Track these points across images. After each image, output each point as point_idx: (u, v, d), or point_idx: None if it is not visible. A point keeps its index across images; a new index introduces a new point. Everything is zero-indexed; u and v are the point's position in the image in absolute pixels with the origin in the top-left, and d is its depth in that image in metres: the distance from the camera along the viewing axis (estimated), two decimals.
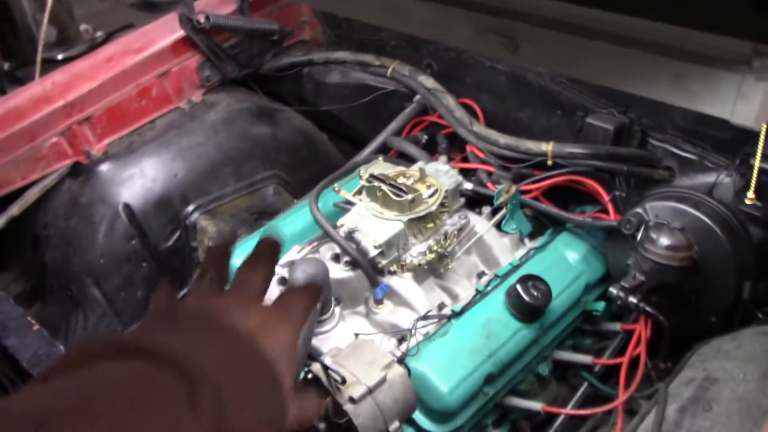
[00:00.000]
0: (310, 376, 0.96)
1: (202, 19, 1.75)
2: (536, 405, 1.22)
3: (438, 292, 1.31)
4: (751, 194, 1.13)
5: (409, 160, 1.60)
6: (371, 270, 1.25)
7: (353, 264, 1.27)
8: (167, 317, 0.66)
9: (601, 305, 1.35)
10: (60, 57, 3.00)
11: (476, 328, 1.21)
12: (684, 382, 1.03)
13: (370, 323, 1.27)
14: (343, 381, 0.93)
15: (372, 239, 1.24)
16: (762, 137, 1.03)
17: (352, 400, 0.92)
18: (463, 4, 0.84)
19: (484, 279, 1.34)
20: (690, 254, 1.16)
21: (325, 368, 0.94)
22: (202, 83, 1.89)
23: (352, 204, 1.36)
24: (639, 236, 1.19)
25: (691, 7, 0.65)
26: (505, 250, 1.40)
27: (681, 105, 0.70)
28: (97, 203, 1.65)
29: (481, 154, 1.51)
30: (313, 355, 1.17)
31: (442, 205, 1.33)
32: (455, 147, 1.64)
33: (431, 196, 1.32)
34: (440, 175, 1.38)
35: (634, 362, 1.24)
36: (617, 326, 1.34)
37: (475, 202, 1.48)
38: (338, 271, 1.27)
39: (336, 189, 1.42)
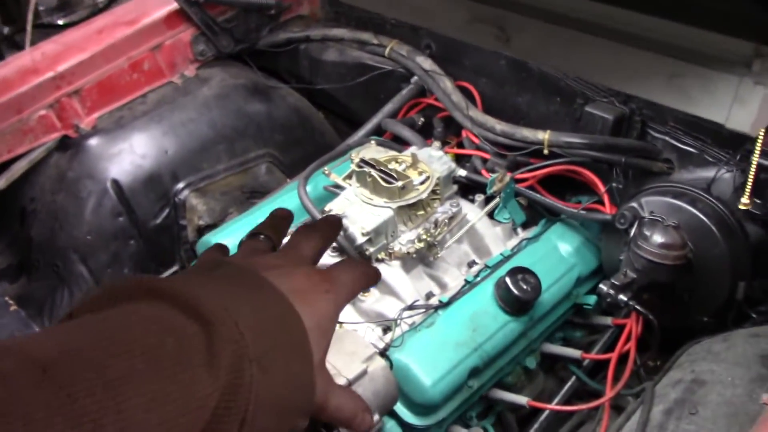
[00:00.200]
0: None
1: None
2: (522, 399, 1.20)
3: (426, 281, 1.29)
4: (745, 199, 1.09)
5: (404, 143, 1.57)
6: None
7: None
8: (208, 267, 0.62)
9: (592, 299, 1.32)
10: (61, 22, 2.95)
11: (463, 320, 1.18)
12: (671, 383, 1.01)
13: (356, 311, 1.25)
14: None
15: (360, 226, 1.22)
16: (759, 143, 0.98)
17: None
18: None
19: (475, 269, 1.32)
20: (684, 253, 1.13)
21: None
22: (196, 57, 1.84)
23: (341, 188, 1.33)
24: (632, 232, 1.16)
25: (692, 4, 0.61)
26: (497, 239, 1.38)
27: (674, 107, 0.66)
28: (85, 178, 1.62)
29: (476, 140, 1.47)
30: None
31: (433, 192, 1.30)
32: (451, 131, 1.60)
33: (423, 183, 1.29)
34: (433, 161, 1.34)
35: (624, 357, 1.22)
36: (608, 320, 1.32)
37: (469, 188, 1.45)
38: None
39: (326, 172, 1.39)
